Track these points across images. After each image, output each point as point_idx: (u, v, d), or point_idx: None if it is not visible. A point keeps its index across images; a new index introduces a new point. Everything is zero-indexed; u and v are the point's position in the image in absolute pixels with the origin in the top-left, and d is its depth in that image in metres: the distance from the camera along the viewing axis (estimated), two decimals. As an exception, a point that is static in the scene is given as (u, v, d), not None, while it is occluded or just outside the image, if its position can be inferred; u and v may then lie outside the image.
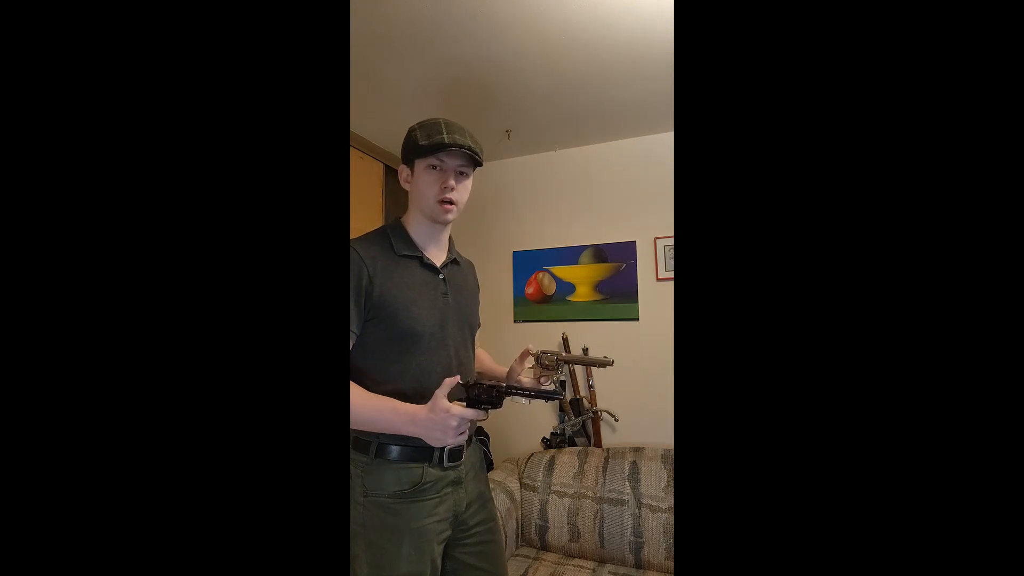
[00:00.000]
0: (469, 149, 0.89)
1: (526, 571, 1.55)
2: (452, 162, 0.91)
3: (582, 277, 2.15)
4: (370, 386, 0.84)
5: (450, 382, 0.77)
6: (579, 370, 2.07)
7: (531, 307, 2.22)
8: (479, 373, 1.10)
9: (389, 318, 0.86)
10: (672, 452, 1.73)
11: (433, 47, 1.43)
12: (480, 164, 0.95)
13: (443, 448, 0.86)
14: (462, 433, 0.77)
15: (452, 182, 0.91)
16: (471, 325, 1.01)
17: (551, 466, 1.80)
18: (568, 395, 2.06)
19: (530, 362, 0.99)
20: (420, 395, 0.84)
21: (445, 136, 0.87)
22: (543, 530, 1.72)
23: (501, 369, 1.10)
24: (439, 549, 0.88)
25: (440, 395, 0.76)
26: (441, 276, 0.95)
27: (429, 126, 0.91)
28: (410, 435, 0.78)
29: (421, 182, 0.92)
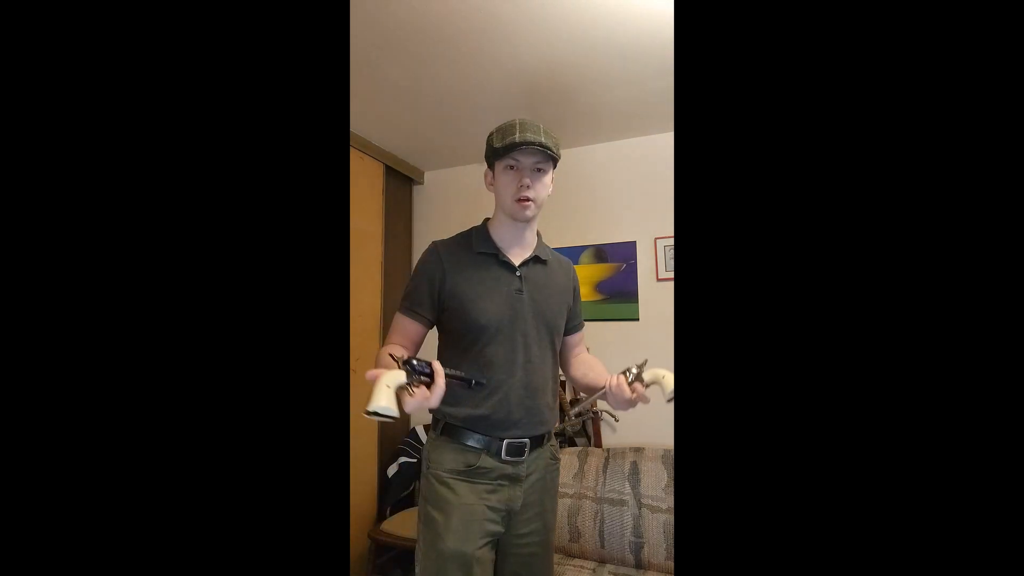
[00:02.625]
0: (542, 145, 0.90)
1: (526, 571, 1.55)
2: (527, 160, 0.93)
3: (582, 277, 2.14)
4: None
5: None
6: (579, 370, 2.06)
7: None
8: (575, 379, 1.15)
9: (459, 310, 0.92)
10: (672, 452, 1.73)
11: (433, 47, 1.43)
12: (557, 159, 0.98)
13: (502, 440, 0.91)
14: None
15: (527, 180, 0.93)
16: (549, 323, 1.00)
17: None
18: (568, 395, 2.06)
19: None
20: (491, 388, 0.90)
21: (518, 136, 0.90)
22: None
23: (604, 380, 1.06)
24: (488, 542, 0.90)
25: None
26: (518, 273, 0.98)
27: (504, 128, 0.94)
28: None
29: (500, 183, 0.96)
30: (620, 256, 2.09)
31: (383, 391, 0.70)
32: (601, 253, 2.13)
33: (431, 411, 0.87)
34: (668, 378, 0.92)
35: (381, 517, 2.05)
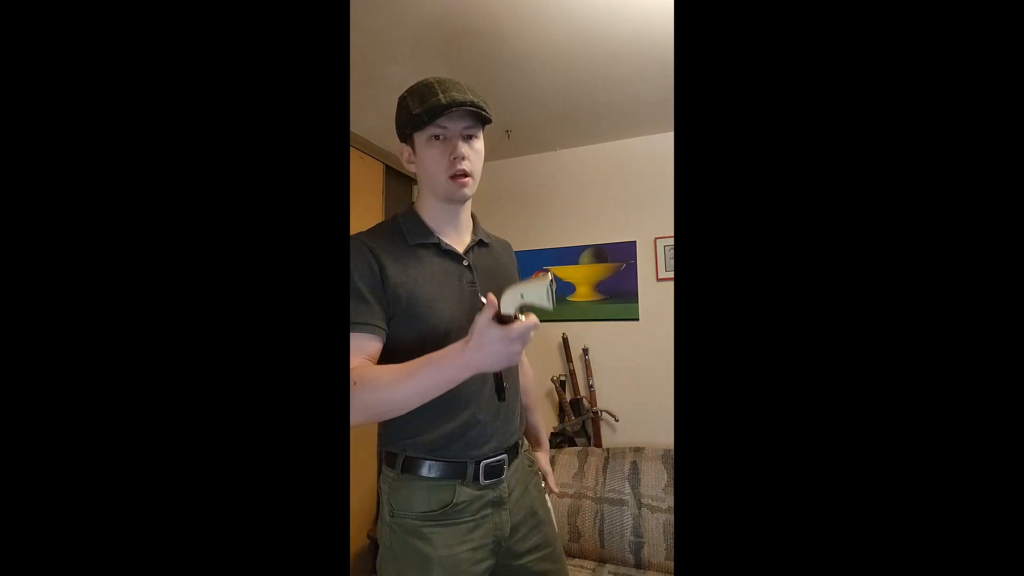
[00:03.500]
0: (472, 105, 0.74)
1: (526, 571, 1.55)
2: (456, 126, 0.76)
3: (582, 277, 2.15)
4: None
5: (492, 302, 0.63)
6: (579, 370, 2.07)
7: (531, 307, 2.22)
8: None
9: (409, 317, 0.74)
10: (672, 452, 1.73)
11: (433, 47, 1.43)
12: (489, 121, 0.80)
13: (478, 464, 0.76)
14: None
15: (461, 150, 0.76)
16: None
17: (551, 466, 1.80)
18: (568, 395, 2.06)
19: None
20: (452, 398, 0.70)
21: (442, 97, 0.73)
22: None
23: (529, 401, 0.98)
24: None
25: (483, 317, 0.63)
26: (465, 263, 0.82)
27: (420, 91, 0.76)
28: (464, 376, 0.64)
29: (426, 158, 0.77)
30: (620, 256, 2.09)
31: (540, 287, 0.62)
32: (601, 253, 2.13)
33: (384, 443, 0.77)
34: (531, 288, 0.66)
35: (381, 517, 2.05)
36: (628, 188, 2.10)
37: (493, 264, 0.88)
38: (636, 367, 2.00)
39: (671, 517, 1.57)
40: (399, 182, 2.38)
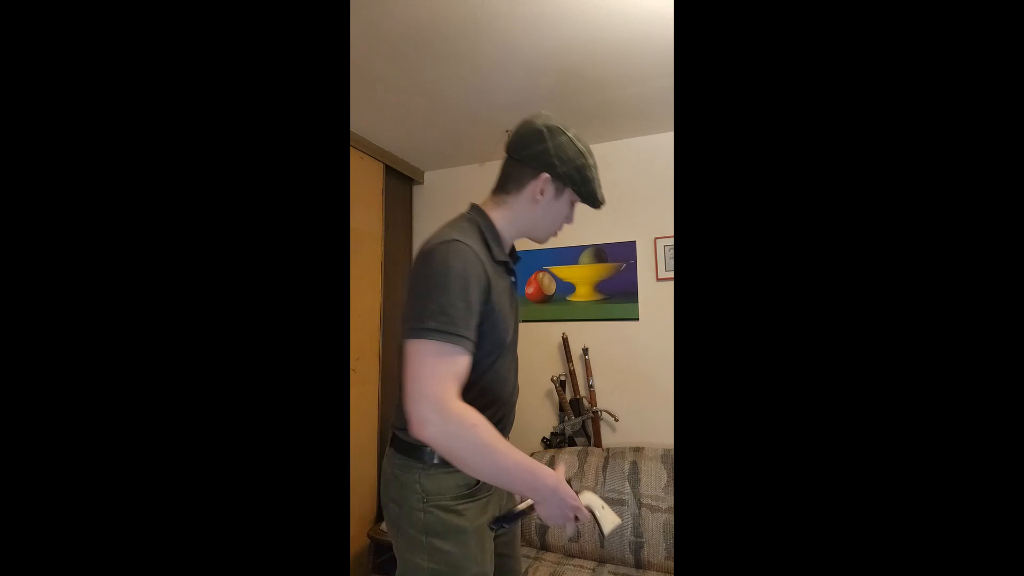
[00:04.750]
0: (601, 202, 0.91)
1: (526, 571, 1.55)
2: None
3: (582, 277, 2.15)
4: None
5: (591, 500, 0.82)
6: (579, 370, 2.07)
7: (531, 307, 2.22)
8: None
9: (489, 330, 0.79)
10: (672, 452, 1.73)
11: (433, 47, 1.43)
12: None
13: None
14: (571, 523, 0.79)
15: (571, 217, 0.91)
16: None
17: (551, 466, 1.79)
18: (568, 395, 2.06)
19: None
20: (493, 400, 0.83)
21: (598, 193, 0.87)
22: (543, 530, 1.71)
23: None
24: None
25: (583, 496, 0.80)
26: (513, 279, 0.91)
27: (587, 163, 0.86)
28: (537, 498, 0.75)
29: (554, 208, 0.88)
30: (620, 256, 2.09)
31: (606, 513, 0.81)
32: (601, 253, 2.13)
33: (410, 440, 0.82)
34: (608, 516, 0.84)
35: (381, 517, 2.06)
36: (628, 188, 2.10)
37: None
38: (636, 367, 2.00)
39: (671, 517, 1.57)
40: (399, 182, 2.38)
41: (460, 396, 0.70)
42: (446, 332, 0.69)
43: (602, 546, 1.61)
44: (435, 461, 0.81)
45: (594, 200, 0.87)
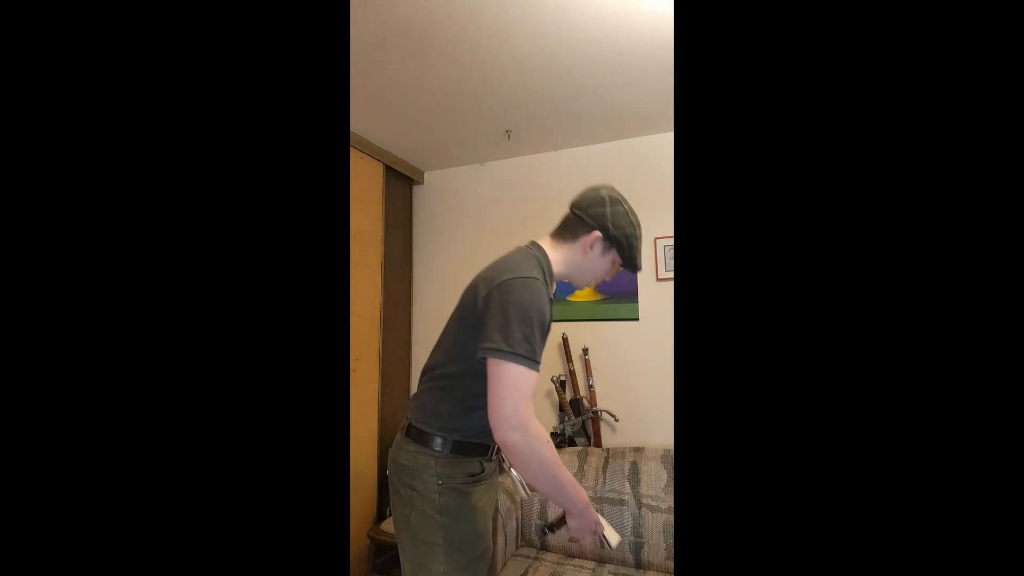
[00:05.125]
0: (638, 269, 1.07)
1: (526, 571, 1.55)
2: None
3: (582, 277, 2.15)
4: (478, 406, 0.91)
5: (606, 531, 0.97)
6: (579, 370, 2.07)
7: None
8: None
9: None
10: (672, 452, 1.73)
11: (434, 47, 1.43)
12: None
13: (495, 446, 0.99)
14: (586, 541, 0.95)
15: (611, 275, 1.07)
16: None
17: (551, 466, 1.79)
18: (568, 395, 2.06)
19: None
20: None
21: (638, 260, 1.04)
22: (543, 530, 1.72)
23: None
24: None
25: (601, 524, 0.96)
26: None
27: (636, 239, 1.02)
28: (574, 514, 0.91)
29: (598, 262, 1.03)
30: (620, 256, 2.08)
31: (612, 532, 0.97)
32: (601, 253, 2.12)
33: (427, 429, 0.96)
34: (613, 536, 0.98)
35: (381, 517, 2.06)
36: (628, 188, 2.10)
37: None
38: (636, 367, 2.00)
39: (671, 517, 1.57)
40: (399, 182, 2.38)
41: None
42: (529, 359, 0.84)
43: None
44: (450, 450, 0.95)
45: (633, 265, 1.03)
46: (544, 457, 0.83)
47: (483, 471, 0.98)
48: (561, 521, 0.97)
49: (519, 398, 0.83)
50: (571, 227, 1.03)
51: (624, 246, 1.00)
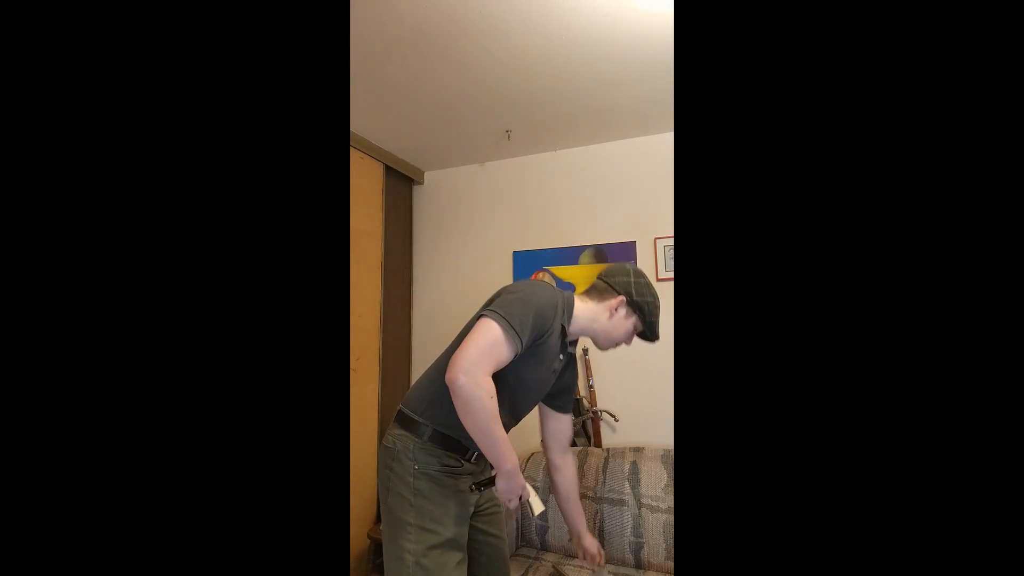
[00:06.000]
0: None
1: (526, 571, 1.55)
2: None
3: (582, 277, 2.15)
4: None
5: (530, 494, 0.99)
6: (579, 370, 2.06)
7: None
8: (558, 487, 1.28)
9: (526, 363, 0.99)
10: (672, 452, 1.73)
11: (434, 47, 1.43)
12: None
13: (476, 451, 1.03)
14: (513, 501, 0.98)
15: (630, 341, 1.15)
16: (558, 404, 1.22)
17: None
18: (568, 395, 2.06)
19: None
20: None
21: (657, 329, 1.12)
22: (543, 530, 1.72)
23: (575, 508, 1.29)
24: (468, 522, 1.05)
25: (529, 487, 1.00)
26: (561, 358, 1.10)
27: (656, 309, 1.11)
28: (500, 470, 0.94)
29: (622, 324, 1.11)
30: (620, 256, 2.09)
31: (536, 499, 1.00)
32: (601, 253, 2.13)
33: (412, 415, 1.03)
34: (536, 503, 1.01)
35: (381, 517, 2.05)
36: (628, 188, 2.10)
37: (567, 370, 1.19)
38: (636, 367, 2.00)
39: (671, 517, 1.57)
40: (399, 182, 2.38)
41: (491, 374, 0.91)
42: (514, 330, 0.91)
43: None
44: (427, 438, 1.00)
45: (653, 333, 1.12)
46: (485, 407, 0.87)
47: (461, 466, 1.03)
48: (491, 481, 1.00)
49: (485, 351, 0.89)
50: (599, 291, 1.12)
51: (646, 312, 1.10)
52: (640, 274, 1.13)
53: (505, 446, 0.92)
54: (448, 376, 0.87)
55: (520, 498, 0.98)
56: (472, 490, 1.03)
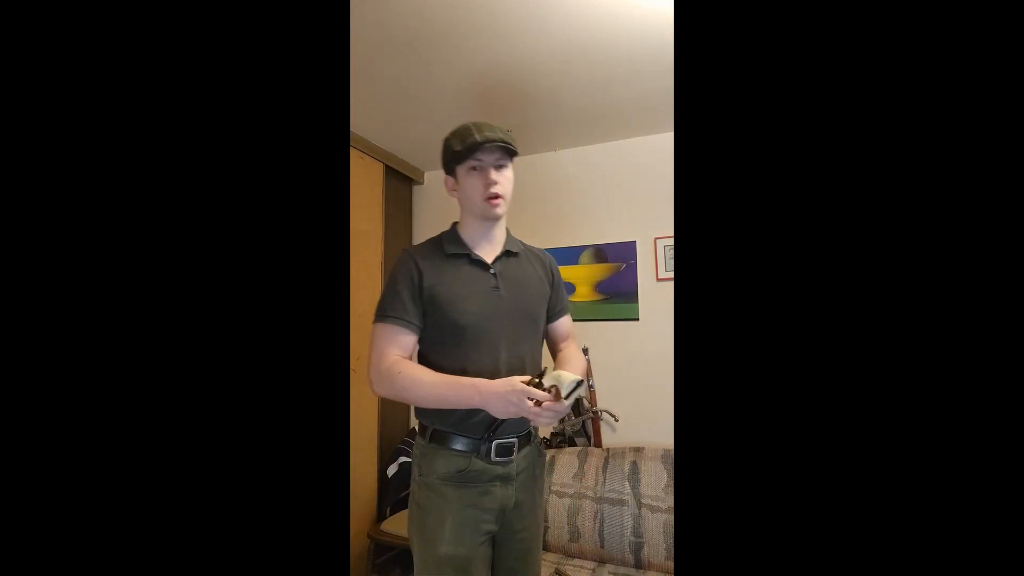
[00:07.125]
0: (502, 141, 0.94)
1: (526, 571, 1.55)
2: (489, 158, 0.96)
3: (582, 277, 2.15)
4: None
5: (524, 386, 0.81)
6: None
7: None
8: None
9: (438, 312, 0.93)
10: (672, 452, 1.73)
11: (434, 47, 1.43)
12: (516, 153, 0.99)
13: (490, 443, 0.92)
14: (534, 413, 0.79)
15: (493, 177, 0.96)
16: (529, 316, 1.01)
17: (551, 466, 1.79)
18: (568, 395, 2.06)
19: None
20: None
21: (477, 136, 0.94)
22: (543, 530, 1.72)
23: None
24: (484, 540, 0.92)
25: (515, 378, 0.83)
26: (492, 271, 0.99)
27: (461, 132, 0.97)
28: (474, 405, 0.84)
29: (466, 185, 0.98)
30: (620, 256, 2.09)
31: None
32: (601, 253, 2.13)
33: (418, 416, 0.98)
34: (564, 376, 0.84)
35: (381, 517, 2.05)
36: (628, 188, 2.10)
37: (519, 272, 1.04)
38: (636, 367, 2.00)
39: (671, 517, 1.57)
40: (399, 182, 2.38)
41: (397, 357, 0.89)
42: (383, 315, 0.92)
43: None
44: (428, 440, 0.95)
45: (473, 147, 0.94)
46: (400, 384, 0.86)
47: (469, 471, 0.91)
48: (493, 420, 0.89)
49: (377, 354, 0.90)
50: (449, 189, 1.04)
51: (456, 150, 0.96)
52: (454, 131, 1.00)
53: (458, 388, 0.84)
54: (375, 394, 0.87)
55: (536, 401, 0.79)
56: (485, 438, 0.91)
